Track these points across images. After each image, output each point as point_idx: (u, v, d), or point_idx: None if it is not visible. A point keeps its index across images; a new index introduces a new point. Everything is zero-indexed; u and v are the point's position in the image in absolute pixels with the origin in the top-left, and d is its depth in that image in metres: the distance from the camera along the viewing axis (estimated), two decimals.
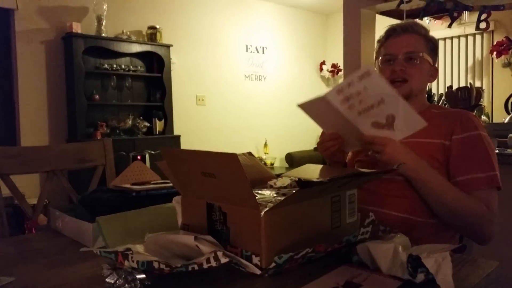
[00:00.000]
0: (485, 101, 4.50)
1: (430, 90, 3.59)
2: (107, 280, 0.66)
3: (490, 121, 3.70)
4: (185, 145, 4.62)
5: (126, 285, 0.66)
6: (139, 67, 4.43)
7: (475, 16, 2.61)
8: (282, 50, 5.99)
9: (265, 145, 5.61)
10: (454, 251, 0.74)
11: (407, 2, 2.65)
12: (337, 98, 0.97)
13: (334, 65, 6.28)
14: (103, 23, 4.10)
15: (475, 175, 1.08)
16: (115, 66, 4.22)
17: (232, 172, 0.73)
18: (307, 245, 0.74)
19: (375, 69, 1.04)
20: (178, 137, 4.56)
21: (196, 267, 0.68)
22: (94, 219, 0.94)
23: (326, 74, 6.38)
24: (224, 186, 0.77)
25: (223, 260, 0.68)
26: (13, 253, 0.95)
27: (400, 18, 2.93)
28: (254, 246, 0.73)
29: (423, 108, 1.24)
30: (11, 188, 1.44)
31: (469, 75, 5.14)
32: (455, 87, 2.86)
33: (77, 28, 3.92)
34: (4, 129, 3.90)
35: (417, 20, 1.73)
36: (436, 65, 1.27)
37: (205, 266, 0.68)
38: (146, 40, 4.46)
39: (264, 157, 5.46)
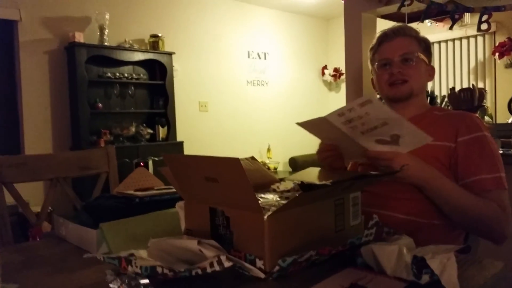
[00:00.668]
0: (488, 102, 4.49)
1: (432, 92, 3.58)
2: (111, 285, 0.66)
3: (494, 122, 3.68)
4: (188, 151, 4.63)
5: None
6: (141, 75, 4.46)
7: (476, 17, 2.61)
8: (283, 56, 6.00)
9: (268, 149, 5.61)
10: (459, 252, 0.73)
11: (407, 5, 2.65)
12: (338, 120, 0.96)
13: (336, 69, 6.29)
14: (106, 32, 4.13)
15: (483, 177, 1.08)
16: (118, 74, 4.24)
17: (234, 177, 0.73)
18: (311, 248, 0.73)
19: (377, 97, 1.03)
20: (181, 143, 4.57)
21: (199, 272, 0.68)
22: (97, 226, 0.94)
23: (328, 78, 6.39)
24: (227, 190, 0.77)
25: (227, 264, 0.67)
26: (17, 260, 0.95)
27: (401, 21, 2.93)
28: (258, 250, 0.73)
29: (424, 109, 1.24)
30: (15, 196, 1.45)
31: (471, 77, 5.13)
32: (457, 88, 2.85)
33: (79, 37, 3.95)
34: (8, 138, 3.92)
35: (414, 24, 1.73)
36: (432, 64, 1.28)
37: (209, 270, 0.67)
38: (148, 48, 4.49)
39: (267, 161, 5.45)
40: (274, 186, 1.01)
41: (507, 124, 2.58)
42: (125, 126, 4.26)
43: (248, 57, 5.61)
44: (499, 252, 1.13)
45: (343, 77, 6.07)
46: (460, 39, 5.17)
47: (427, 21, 3.70)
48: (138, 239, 0.90)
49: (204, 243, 0.74)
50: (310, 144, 6.01)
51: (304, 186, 0.72)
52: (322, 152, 1.16)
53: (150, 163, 4.06)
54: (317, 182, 0.82)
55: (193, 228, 0.87)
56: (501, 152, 1.94)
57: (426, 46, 1.26)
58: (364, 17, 3.23)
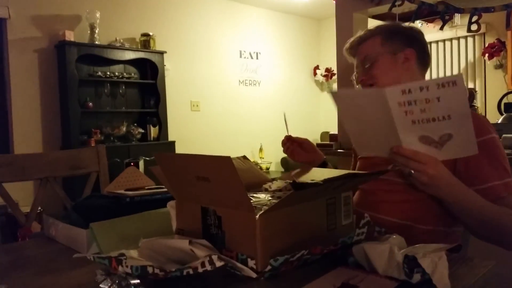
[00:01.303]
0: (478, 102, 4.53)
1: None
2: (101, 286, 0.66)
3: None
4: (180, 151, 4.61)
5: None
6: (132, 74, 4.43)
7: (466, 19, 2.63)
8: (275, 56, 6.01)
9: (261, 149, 5.61)
10: (450, 251, 0.73)
11: (398, 6, 2.67)
12: (397, 98, 0.82)
13: (328, 70, 6.31)
14: (96, 31, 4.10)
15: (495, 183, 1.02)
16: (108, 73, 4.21)
17: (226, 175, 0.72)
18: (303, 247, 0.73)
19: (463, 80, 0.87)
20: (173, 143, 4.55)
21: (191, 271, 0.67)
22: (88, 226, 0.93)
23: (320, 78, 6.41)
24: (219, 189, 0.76)
25: (218, 264, 0.67)
26: (5, 260, 0.93)
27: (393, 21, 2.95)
28: (250, 250, 0.73)
29: None
30: (4, 196, 1.43)
31: None
32: None
33: (70, 36, 3.92)
34: None
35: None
36: (406, 49, 1.16)
37: (200, 270, 0.67)
38: (139, 47, 4.46)
39: (259, 161, 5.45)
40: (266, 186, 1.01)
41: (496, 124, 2.61)
42: (116, 125, 4.23)
43: (240, 56, 5.60)
44: (489, 251, 1.14)
45: (335, 77, 6.08)
46: (451, 40, 5.21)
47: (418, 21, 3.72)
48: (129, 239, 0.89)
49: (195, 242, 0.73)
50: None
51: (296, 185, 0.71)
52: (283, 144, 1.14)
53: (141, 163, 4.04)
54: (308, 181, 0.82)
55: (184, 227, 0.87)
56: None
57: (390, 33, 1.18)
58: (356, 17, 3.24)
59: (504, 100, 2.86)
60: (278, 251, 0.72)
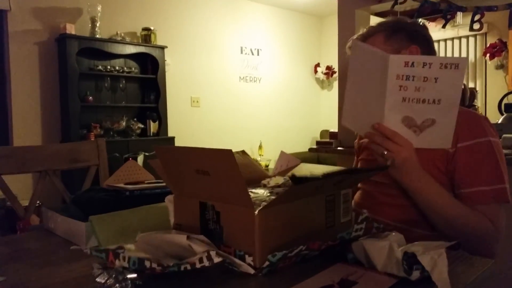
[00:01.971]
0: (478, 102, 4.53)
1: None
2: (98, 279, 0.65)
3: None
4: None
5: (117, 284, 0.64)
6: (133, 69, 4.42)
7: (468, 18, 2.63)
8: (276, 52, 6.00)
9: (260, 146, 5.60)
10: (449, 248, 0.73)
11: (401, 3, 2.66)
12: (398, 68, 0.81)
13: (328, 67, 6.30)
14: (97, 25, 4.09)
15: (480, 188, 0.99)
16: (109, 67, 4.20)
17: (227, 169, 0.72)
18: (301, 244, 0.73)
19: (466, 65, 0.88)
20: (173, 138, 4.54)
21: (188, 267, 0.66)
22: (87, 219, 0.93)
23: (321, 76, 6.40)
24: (218, 184, 0.76)
25: (216, 259, 0.66)
26: (4, 252, 0.93)
27: None
28: (248, 245, 0.72)
29: None
30: (3, 189, 1.43)
31: None
32: None
33: (71, 29, 3.91)
34: None
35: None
36: (410, 46, 1.12)
37: (198, 265, 0.66)
38: (140, 41, 4.45)
39: (258, 158, 5.45)
40: (264, 181, 0.99)
41: (497, 124, 2.60)
42: (116, 120, 4.22)
43: (241, 53, 5.59)
44: None
45: (336, 75, 6.08)
46: (452, 39, 5.21)
47: (419, 20, 3.71)
48: (128, 232, 0.89)
49: (193, 238, 0.72)
50: (301, 141, 6.02)
51: (295, 179, 0.70)
52: None
53: (141, 158, 4.03)
54: (308, 175, 0.82)
55: (182, 222, 0.86)
56: None
57: (394, 30, 1.14)
58: (358, 14, 3.23)
59: (505, 101, 2.85)
60: (277, 248, 0.72)
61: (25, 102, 3.90)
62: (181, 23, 4.96)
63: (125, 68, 4.33)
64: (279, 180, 1.00)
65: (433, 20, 3.76)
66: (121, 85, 4.29)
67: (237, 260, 0.72)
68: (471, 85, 5.03)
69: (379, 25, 1.19)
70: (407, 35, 1.14)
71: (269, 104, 5.85)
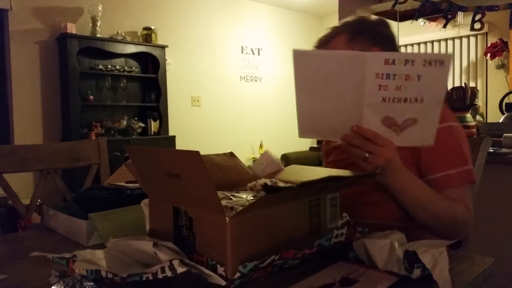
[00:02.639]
0: (479, 102, 4.53)
1: None
2: (53, 287, 0.62)
3: (485, 121, 3.72)
4: (180, 145, 4.61)
5: None
6: (134, 68, 4.42)
7: (468, 18, 2.63)
8: (277, 52, 6.00)
9: (261, 146, 5.60)
10: (450, 247, 0.73)
11: (402, 3, 2.66)
12: (377, 67, 0.77)
13: None
14: (98, 24, 4.09)
15: (448, 172, 1.00)
16: (109, 66, 4.20)
17: (195, 172, 0.65)
18: (279, 252, 0.66)
19: (451, 62, 0.82)
20: (173, 137, 4.55)
21: (150, 277, 0.60)
22: (88, 217, 0.93)
23: None
24: (189, 188, 0.69)
25: (180, 269, 0.60)
26: (5, 251, 0.93)
27: (395, 19, 2.94)
28: (220, 255, 0.66)
29: None
30: (5, 187, 1.43)
31: (463, 76, 5.17)
32: (450, 87, 2.87)
33: (71, 28, 3.91)
34: None
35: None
36: (372, 48, 1.09)
37: (160, 276, 0.60)
38: (141, 41, 4.45)
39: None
40: (251, 185, 0.94)
41: (497, 123, 2.60)
42: (117, 119, 4.22)
43: (242, 52, 5.59)
44: (489, 247, 1.14)
45: None
46: (453, 39, 5.20)
47: (420, 20, 3.72)
48: (128, 230, 0.89)
49: (161, 245, 0.67)
50: (302, 141, 6.02)
51: (268, 188, 0.65)
52: None
53: None
54: (282, 185, 0.76)
55: (157, 228, 0.79)
56: (491, 150, 1.96)
57: (355, 32, 1.12)
58: (359, 14, 3.23)
59: (506, 100, 2.85)
60: (252, 257, 0.64)
61: (26, 101, 3.90)
62: (182, 23, 4.96)
63: (126, 68, 4.34)
64: (266, 183, 0.95)
65: (434, 19, 3.75)
66: (121, 84, 4.30)
67: (206, 271, 0.64)
68: (472, 84, 5.03)
69: (343, 25, 1.16)
70: (369, 37, 1.11)
71: (269, 104, 5.85)
